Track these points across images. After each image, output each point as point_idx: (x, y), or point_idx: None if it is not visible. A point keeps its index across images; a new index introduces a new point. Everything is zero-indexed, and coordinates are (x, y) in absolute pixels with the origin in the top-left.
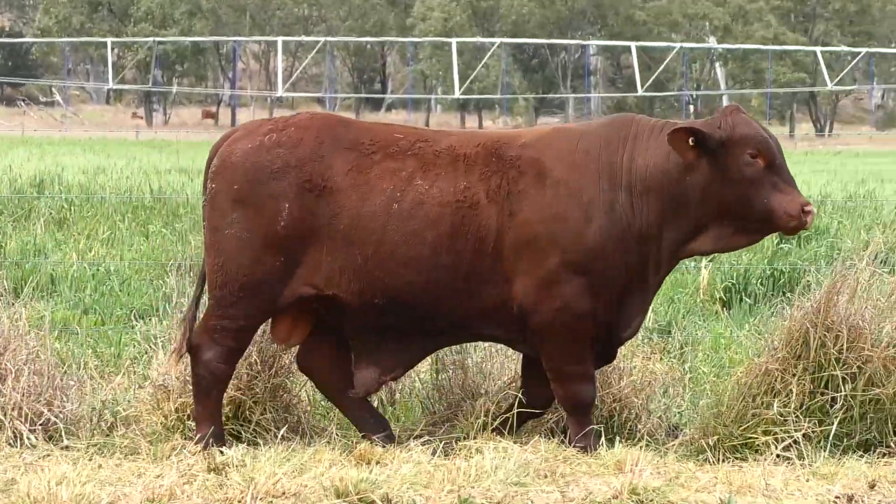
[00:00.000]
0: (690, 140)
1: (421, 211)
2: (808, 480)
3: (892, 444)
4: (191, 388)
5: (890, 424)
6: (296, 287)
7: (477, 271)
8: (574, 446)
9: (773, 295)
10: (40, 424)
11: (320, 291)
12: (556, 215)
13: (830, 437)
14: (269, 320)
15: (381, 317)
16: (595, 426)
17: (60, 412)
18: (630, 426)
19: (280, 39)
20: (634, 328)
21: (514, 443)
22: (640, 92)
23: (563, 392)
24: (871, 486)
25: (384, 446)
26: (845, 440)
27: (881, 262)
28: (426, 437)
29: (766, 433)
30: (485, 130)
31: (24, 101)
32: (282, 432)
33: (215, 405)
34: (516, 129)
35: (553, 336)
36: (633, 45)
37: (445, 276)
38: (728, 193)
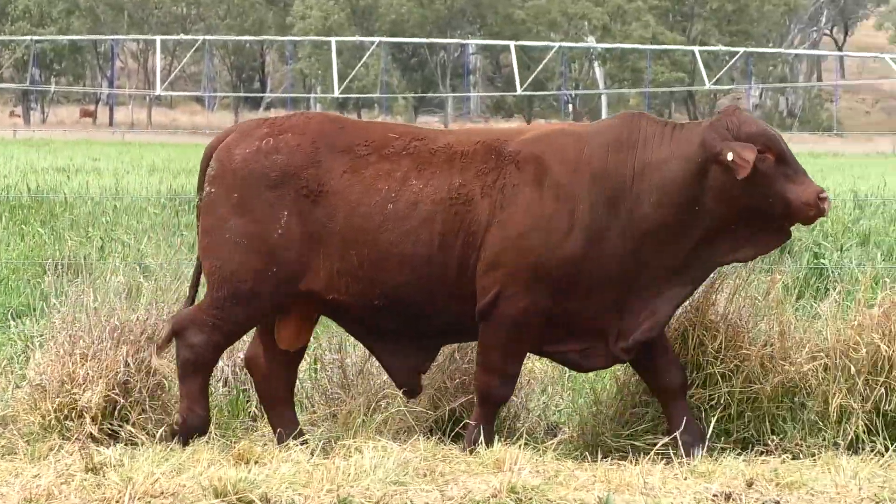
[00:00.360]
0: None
1: (416, 210)
2: (686, 479)
3: (769, 443)
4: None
5: (767, 423)
6: (292, 293)
7: (468, 266)
8: (467, 434)
9: None
10: None
11: (320, 296)
12: (543, 215)
13: (708, 436)
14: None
15: (380, 318)
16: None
17: None
18: (509, 425)
19: (158, 38)
20: (645, 331)
21: (394, 441)
22: (519, 91)
23: (484, 382)
24: (749, 485)
25: None
26: (723, 438)
27: (759, 260)
28: (305, 437)
29: (644, 431)
30: (485, 127)
31: None
32: (160, 432)
33: (201, 387)
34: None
35: (505, 331)
36: (512, 44)
37: (439, 274)
38: (744, 193)
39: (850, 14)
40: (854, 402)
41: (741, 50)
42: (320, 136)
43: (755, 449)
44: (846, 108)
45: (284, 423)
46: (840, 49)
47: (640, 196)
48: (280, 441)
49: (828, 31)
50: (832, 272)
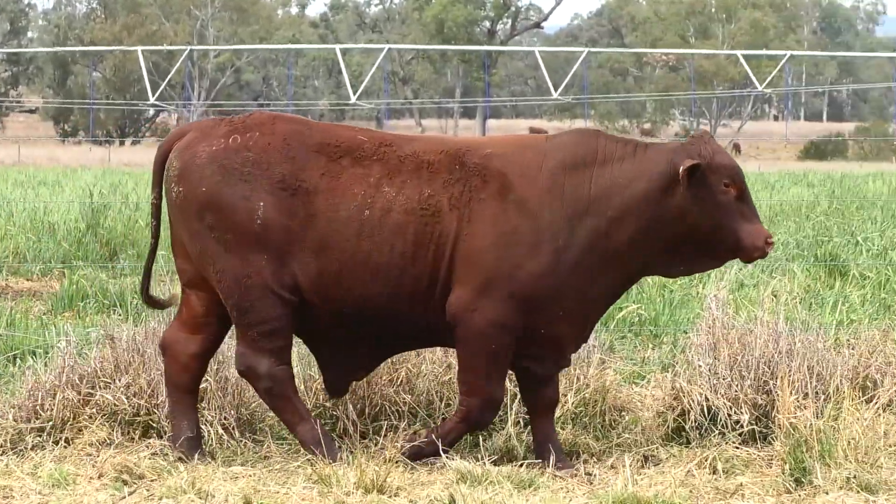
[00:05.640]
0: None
1: (389, 219)
2: None
3: None
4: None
5: None
6: (276, 286)
7: (438, 279)
8: (443, 442)
9: None
10: None
11: (291, 295)
12: (509, 231)
13: None
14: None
15: (348, 324)
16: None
17: None
18: None
19: None
20: (586, 337)
21: None
22: None
23: (465, 403)
24: None
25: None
26: None
27: None
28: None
29: None
30: (449, 137)
31: None
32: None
33: (299, 403)
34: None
35: (476, 348)
36: None
37: (410, 285)
38: (702, 218)
39: None
40: None
41: None
42: (290, 134)
43: None
44: None
45: (188, 415)
46: None
47: (602, 214)
48: (178, 436)
49: None
50: None
